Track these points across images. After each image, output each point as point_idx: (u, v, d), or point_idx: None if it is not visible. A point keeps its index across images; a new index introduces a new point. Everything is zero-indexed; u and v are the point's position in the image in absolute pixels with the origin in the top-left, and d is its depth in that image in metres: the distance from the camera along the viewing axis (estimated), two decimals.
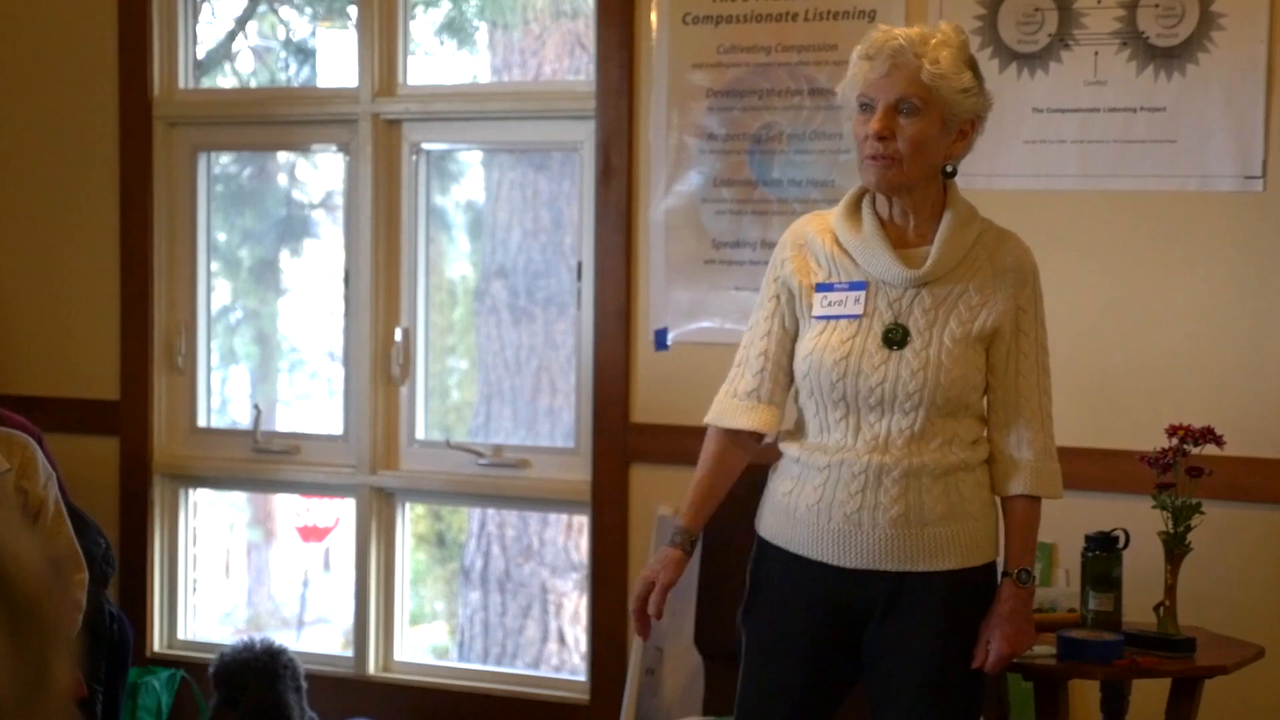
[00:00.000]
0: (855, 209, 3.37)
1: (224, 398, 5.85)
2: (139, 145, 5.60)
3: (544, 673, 5.51)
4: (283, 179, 5.96)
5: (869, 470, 3.29)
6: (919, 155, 3.27)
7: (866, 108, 3.29)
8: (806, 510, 3.34)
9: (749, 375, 3.43)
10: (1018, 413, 3.36)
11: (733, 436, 3.45)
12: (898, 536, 3.29)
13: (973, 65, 3.32)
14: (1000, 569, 3.40)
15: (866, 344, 3.29)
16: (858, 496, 3.29)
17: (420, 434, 5.44)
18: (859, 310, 3.31)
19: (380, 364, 5.41)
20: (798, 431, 3.41)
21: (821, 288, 3.35)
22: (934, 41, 3.27)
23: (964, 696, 3.36)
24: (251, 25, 5.88)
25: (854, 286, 3.33)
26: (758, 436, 3.47)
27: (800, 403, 3.41)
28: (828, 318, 3.33)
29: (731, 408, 3.44)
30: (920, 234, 3.34)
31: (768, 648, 3.42)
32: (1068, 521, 4.43)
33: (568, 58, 5.47)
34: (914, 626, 3.32)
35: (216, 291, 5.78)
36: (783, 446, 3.43)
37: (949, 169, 3.33)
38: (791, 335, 3.41)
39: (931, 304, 3.30)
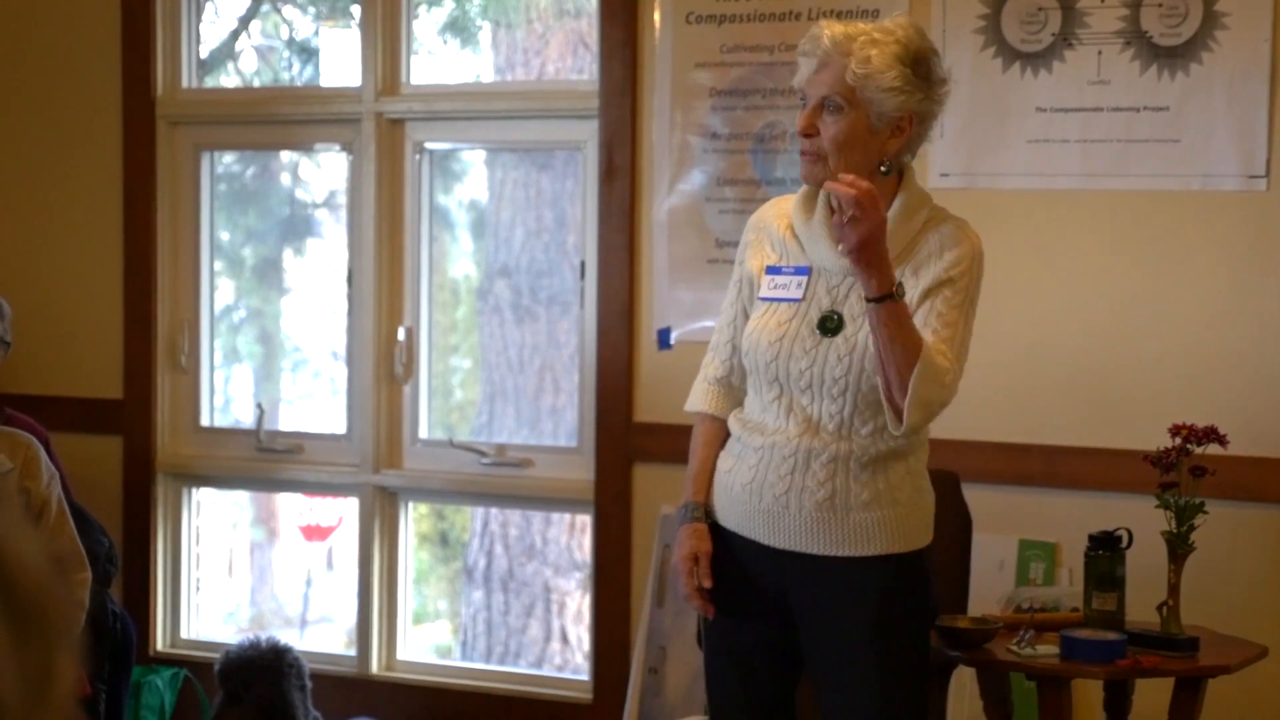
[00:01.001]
0: (813, 196, 3.42)
1: (227, 397, 5.85)
2: (142, 144, 5.61)
3: (547, 672, 5.51)
4: (286, 178, 5.96)
5: (798, 453, 3.33)
6: (843, 153, 3.29)
7: (804, 103, 3.35)
8: (741, 489, 3.40)
9: (718, 362, 3.53)
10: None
11: (719, 420, 3.52)
12: (822, 520, 3.32)
13: (915, 61, 3.30)
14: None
15: (800, 329, 3.34)
16: (787, 479, 3.34)
17: (423, 433, 5.44)
18: (799, 295, 3.37)
19: (383, 363, 5.41)
20: (742, 409, 3.47)
21: (771, 270, 3.43)
22: (862, 40, 3.28)
23: (907, 681, 3.37)
24: (255, 24, 5.89)
25: (798, 271, 3.39)
26: None
27: (747, 381, 3.46)
28: (771, 300, 3.40)
29: (702, 392, 3.54)
30: None
31: (721, 623, 3.47)
32: (1071, 521, 4.43)
33: (571, 57, 5.47)
34: (850, 614, 3.34)
35: (220, 290, 5.79)
36: (730, 424, 3.48)
37: (884, 168, 3.31)
38: None
39: None
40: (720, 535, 3.47)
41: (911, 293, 3.29)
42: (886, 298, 3.15)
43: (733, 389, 3.50)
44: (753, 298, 3.45)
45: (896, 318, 3.16)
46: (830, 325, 3.32)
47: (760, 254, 3.45)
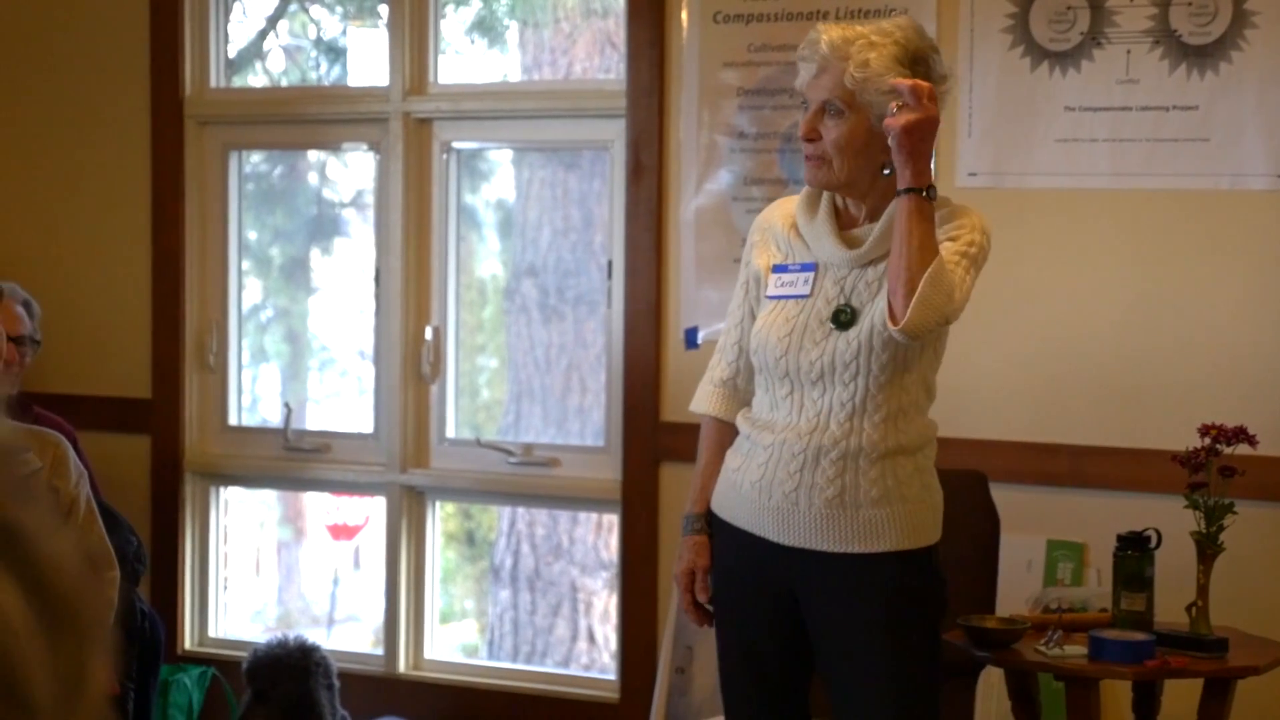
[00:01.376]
0: (817, 195, 3.45)
1: (255, 396, 5.86)
2: (170, 144, 5.62)
3: (574, 671, 5.51)
4: (313, 178, 5.97)
5: (808, 451, 3.34)
6: (846, 156, 3.31)
7: (806, 107, 3.36)
8: (750, 487, 3.41)
9: (724, 364, 3.54)
10: None
11: (724, 423, 3.53)
12: (833, 517, 3.32)
13: (914, 61, 3.30)
14: None
15: (809, 321, 3.36)
16: (796, 476, 3.35)
17: (450, 432, 5.45)
18: (806, 291, 3.38)
19: (410, 362, 5.42)
20: (751, 408, 3.47)
21: (777, 269, 3.45)
22: (860, 43, 3.29)
23: (919, 676, 3.36)
24: (282, 24, 5.90)
25: (804, 268, 3.41)
26: None
27: (756, 378, 3.46)
28: (779, 298, 3.42)
29: (708, 394, 3.56)
30: (870, 219, 3.40)
31: (732, 622, 3.49)
32: (1099, 521, 4.42)
33: (598, 56, 5.47)
34: (861, 612, 3.34)
35: (247, 290, 5.80)
36: (739, 423, 3.49)
37: (887, 170, 3.32)
38: None
39: (874, 277, 3.34)
40: (723, 533, 3.48)
41: None
42: (918, 192, 3.19)
43: (738, 391, 3.51)
44: (760, 297, 3.47)
45: (922, 214, 3.20)
46: (844, 318, 3.33)
47: (766, 254, 3.47)
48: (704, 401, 3.56)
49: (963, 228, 3.34)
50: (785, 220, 3.47)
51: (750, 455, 3.42)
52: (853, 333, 3.32)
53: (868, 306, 3.32)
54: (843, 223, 3.40)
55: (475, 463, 5.38)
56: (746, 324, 3.49)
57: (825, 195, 3.42)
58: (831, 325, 3.33)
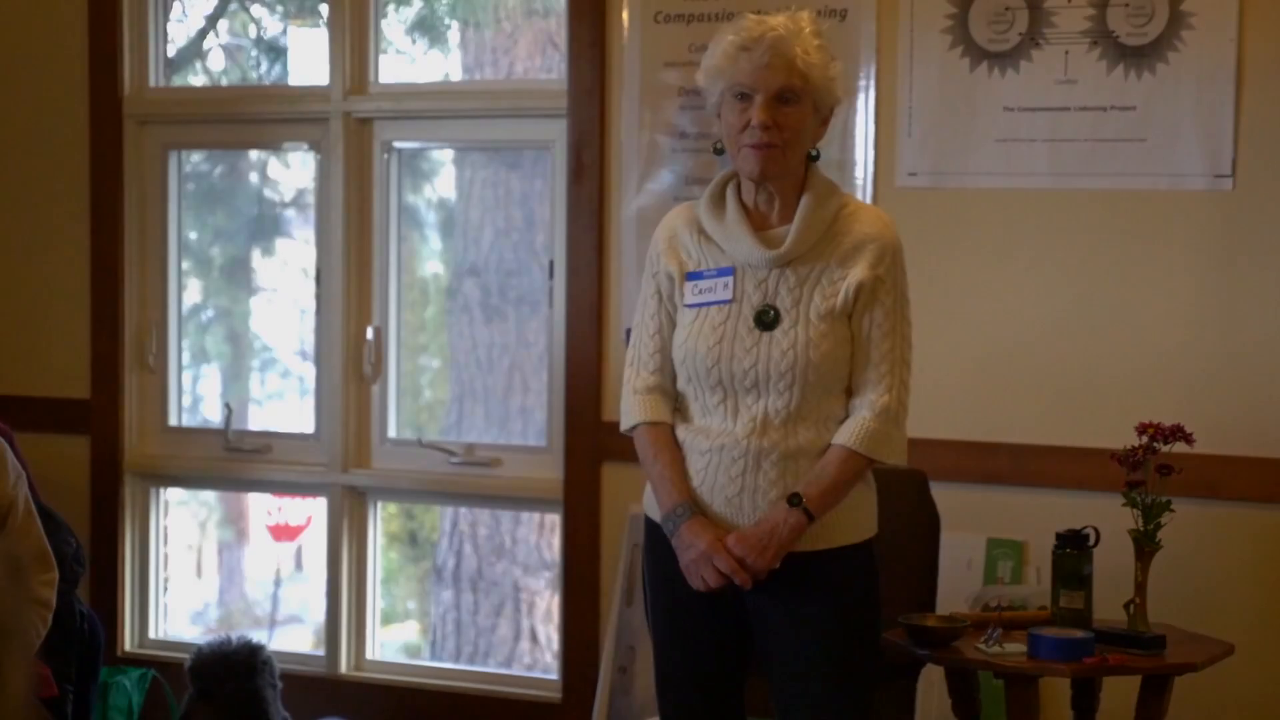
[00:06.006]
0: (720, 198, 3.44)
1: (195, 396, 5.83)
2: (110, 143, 5.59)
3: (516, 671, 5.51)
4: (254, 177, 5.95)
5: (749, 454, 3.33)
6: (799, 143, 3.36)
7: (745, 97, 3.34)
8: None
9: (645, 374, 3.48)
10: (868, 376, 3.35)
11: (663, 424, 3.45)
12: None
13: (832, 55, 3.42)
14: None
15: (738, 328, 3.35)
16: (738, 480, 3.34)
17: (392, 433, 5.43)
18: (728, 295, 3.37)
19: (352, 363, 5.40)
20: (682, 415, 3.45)
21: (692, 276, 3.43)
22: (803, 31, 3.35)
23: (860, 673, 3.37)
24: (223, 23, 5.87)
25: (722, 273, 3.39)
26: None
27: (681, 388, 3.44)
28: (699, 305, 3.40)
29: (638, 404, 3.47)
30: (783, 217, 3.40)
31: (669, 628, 3.49)
32: (1039, 519, 4.44)
33: (539, 56, 5.46)
34: (803, 608, 3.34)
35: (188, 290, 5.77)
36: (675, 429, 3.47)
37: (813, 154, 3.40)
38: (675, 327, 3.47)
39: (796, 282, 3.34)
40: (659, 539, 3.46)
41: (840, 286, 3.32)
42: (801, 509, 3.30)
43: (667, 395, 3.46)
44: (677, 305, 3.45)
45: (823, 502, 3.31)
46: (767, 319, 3.33)
47: (676, 261, 3.45)
48: (637, 412, 3.47)
49: (890, 270, 3.35)
50: (689, 227, 3.45)
51: (687, 461, 3.41)
52: (785, 341, 3.31)
53: (795, 310, 3.31)
54: (754, 223, 3.40)
55: (417, 463, 5.37)
56: (666, 330, 3.45)
57: (731, 196, 3.41)
58: (756, 327, 3.33)
